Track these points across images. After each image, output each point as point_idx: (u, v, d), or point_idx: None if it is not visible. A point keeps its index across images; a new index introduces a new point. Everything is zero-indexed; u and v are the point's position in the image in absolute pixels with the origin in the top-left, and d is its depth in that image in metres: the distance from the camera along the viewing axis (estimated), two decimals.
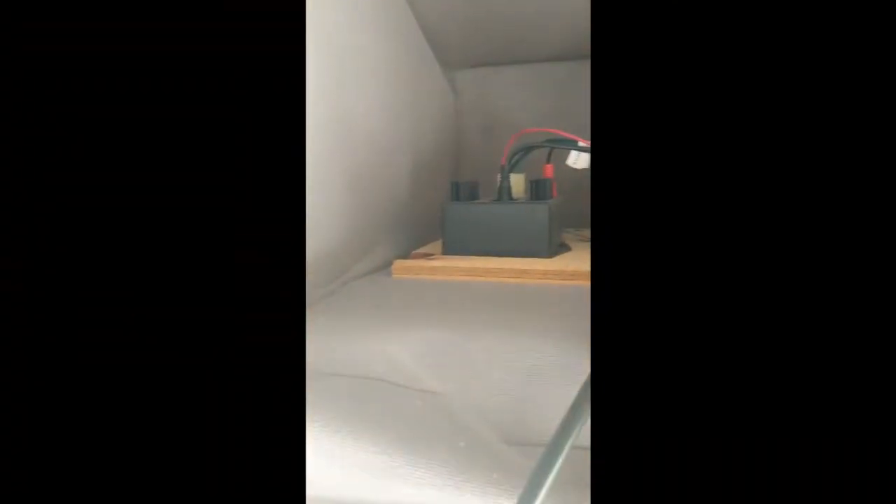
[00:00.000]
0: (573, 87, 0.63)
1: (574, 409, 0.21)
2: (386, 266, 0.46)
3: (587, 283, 0.39)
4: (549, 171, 0.47)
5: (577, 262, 0.42)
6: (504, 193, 0.45)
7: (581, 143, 0.46)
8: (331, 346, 0.30)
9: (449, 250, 0.45)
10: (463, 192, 0.46)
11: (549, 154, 0.47)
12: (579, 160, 0.46)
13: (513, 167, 0.46)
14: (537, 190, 0.45)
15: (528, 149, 0.46)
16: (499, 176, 0.46)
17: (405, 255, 0.47)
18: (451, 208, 0.45)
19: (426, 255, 0.46)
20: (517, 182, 0.46)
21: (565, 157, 0.46)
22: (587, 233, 0.52)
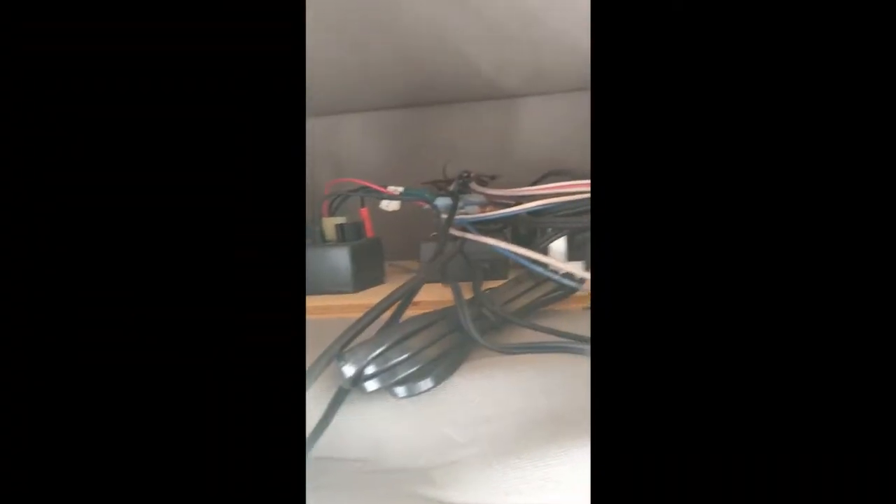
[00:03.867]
0: (411, 133, 0.71)
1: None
2: None
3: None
4: (364, 213, 0.51)
5: (379, 293, 0.47)
6: (318, 237, 0.50)
7: (386, 192, 0.51)
8: None
9: None
10: None
11: (362, 199, 0.52)
12: (390, 205, 0.51)
13: (333, 212, 0.50)
14: (343, 233, 0.50)
15: (342, 197, 0.51)
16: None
17: None
18: None
19: None
20: (327, 226, 0.50)
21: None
22: (408, 263, 0.57)
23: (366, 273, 0.49)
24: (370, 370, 0.27)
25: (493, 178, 0.57)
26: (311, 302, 0.45)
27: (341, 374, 0.27)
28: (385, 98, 0.70)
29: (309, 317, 0.43)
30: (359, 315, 0.42)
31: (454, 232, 0.46)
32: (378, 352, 0.27)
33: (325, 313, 0.44)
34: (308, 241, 0.51)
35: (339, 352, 0.27)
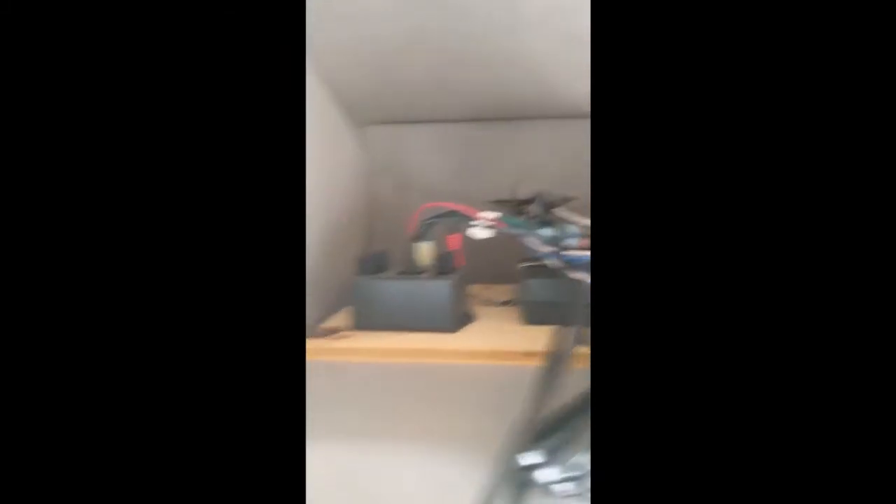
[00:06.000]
0: (480, 146, 0.66)
1: None
2: None
3: (492, 362, 0.40)
4: (454, 240, 0.47)
5: (482, 335, 0.43)
6: (411, 265, 0.46)
7: (474, 221, 0.47)
8: None
9: (358, 325, 0.45)
10: (370, 264, 0.46)
11: (453, 226, 0.48)
12: (483, 233, 0.47)
13: (420, 238, 0.46)
14: (441, 264, 0.46)
15: (431, 222, 0.47)
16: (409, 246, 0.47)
17: (314, 326, 0.46)
18: (357, 284, 0.45)
19: (332, 330, 0.44)
20: (423, 252, 0.46)
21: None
22: (483, 291, 0.54)
23: (462, 310, 0.46)
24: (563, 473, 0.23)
25: (565, 199, 0.53)
26: (414, 342, 0.42)
27: (531, 477, 0.23)
28: (453, 109, 0.66)
29: (407, 360, 0.40)
30: (460, 362, 0.39)
31: (573, 275, 0.42)
32: (577, 459, 0.23)
33: (422, 357, 0.41)
34: (400, 268, 0.47)
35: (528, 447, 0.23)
